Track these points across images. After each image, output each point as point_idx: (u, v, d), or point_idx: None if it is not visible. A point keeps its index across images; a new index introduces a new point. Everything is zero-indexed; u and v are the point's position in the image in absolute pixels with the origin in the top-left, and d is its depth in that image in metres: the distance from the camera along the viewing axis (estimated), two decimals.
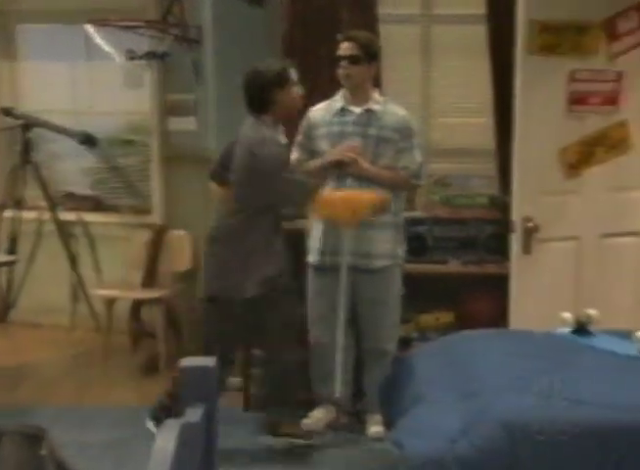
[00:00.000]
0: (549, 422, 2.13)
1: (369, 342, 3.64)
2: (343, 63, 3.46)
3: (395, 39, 4.33)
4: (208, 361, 1.91)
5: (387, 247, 3.55)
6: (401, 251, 3.64)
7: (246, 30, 4.28)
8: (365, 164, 3.48)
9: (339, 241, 3.49)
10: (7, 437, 1.79)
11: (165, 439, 1.43)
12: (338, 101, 3.55)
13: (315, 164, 3.55)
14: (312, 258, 3.62)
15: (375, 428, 3.56)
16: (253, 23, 4.26)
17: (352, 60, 3.44)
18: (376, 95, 3.56)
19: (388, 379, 3.12)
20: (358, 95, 3.49)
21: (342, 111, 3.52)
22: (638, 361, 2.50)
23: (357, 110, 3.50)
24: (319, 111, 3.59)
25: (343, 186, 3.49)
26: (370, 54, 3.47)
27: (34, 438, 1.80)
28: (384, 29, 4.21)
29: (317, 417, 3.65)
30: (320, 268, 3.59)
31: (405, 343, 3.97)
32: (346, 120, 3.50)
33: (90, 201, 5.32)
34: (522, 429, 2.13)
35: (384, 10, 4.22)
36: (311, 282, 3.64)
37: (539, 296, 3.51)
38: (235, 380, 3.86)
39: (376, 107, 3.50)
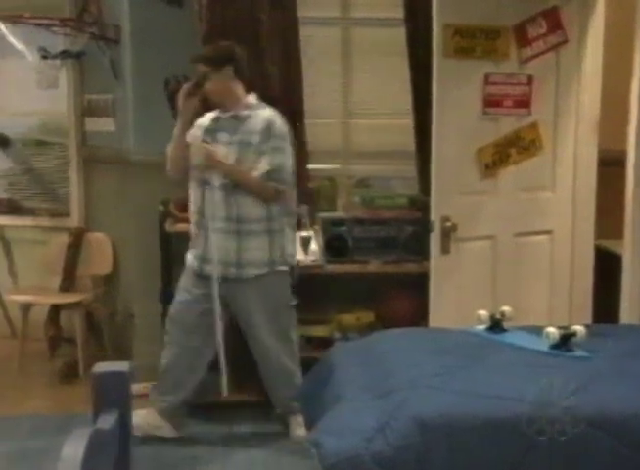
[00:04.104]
0: (462, 418, 2.17)
1: (257, 356, 3.67)
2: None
3: (315, 41, 4.35)
4: (122, 366, 1.88)
5: (259, 255, 3.50)
6: (284, 257, 3.56)
7: (165, 31, 4.22)
8: (228, 167, 3.48)
9: (208, 249, 3.49)
10: None
11: (73, 446, 1.41)
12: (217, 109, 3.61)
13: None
14: (189, 261, 3.63)
15: (298, 431, 3.57)
16: (173, 24, 4.21)
17: (206, 78, 3.49)
18: (249, 99, 3.56)
19: (307, 379, 3.13)
20: (226, 103, 3.54)
21: (216, 118, 3.59)
22: (547, 357, 2.58)
23: (225, 116, 3.55)
24: (204, 118, 3.64)
25: (209, 190, 3.48)
26: (219, 64, 3.50)
27: None
28: (304, 31, 4.23)
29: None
30: (195, 274, 3.59)
31: (327, 343, 3.99)
32: (218, 127, 3.56)
33: (5, 204, 5.17)
34: (436, 425, 2.16)
35: (304, 12, 4.22)
36: (186, 284, 3.62)
37: (458, 294, 3.58)
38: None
39: (243, 112, 3.52)
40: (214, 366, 3.86)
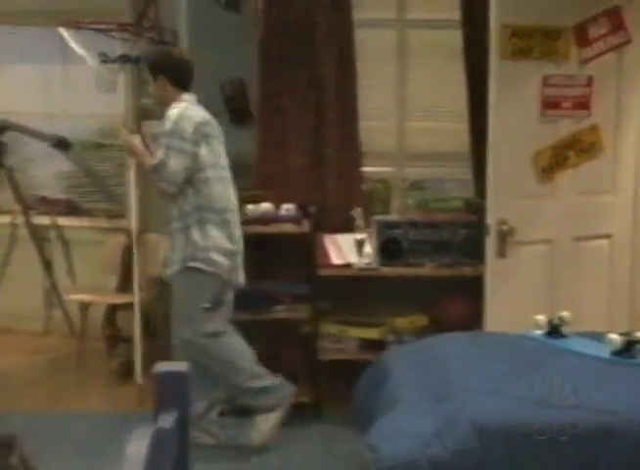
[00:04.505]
0: (520, 424, 2.14)
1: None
2: None
3: (371, 43, 4.34)
4: (182, 366, 1.89)
5: (178, 253, 3.50)
6: (194, 253, 3.46)
7: (221, 35, 4.25)
8: (138, 157, 3.66)
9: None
10: None
11: (137, 445, 1.41)
12: None
13: None
14: None
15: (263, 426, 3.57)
16: (229, 28, 4.24)
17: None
18: (180, 101, 3.54)
19: (361, 382, 3.12)
20: (164, 106, 3.59)
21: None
22: (609, 364, 2.52)
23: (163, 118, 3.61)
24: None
25: None
26: (154, 70, 3.60)
27: (5, 445, 1.78)
28: (359, 34, 4.22)
29: None
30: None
31: (380, 346, 3.98)
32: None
33: (64, 205, 5.28)
34: (493, 431, 2.14)
35: (359, 14, 4.22)
36: None
37: (514, 298, 3.53)
38: None
39: (169, 112, 3.53)
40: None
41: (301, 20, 4.16)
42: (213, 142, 3.52)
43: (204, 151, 3.47)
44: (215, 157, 3.53)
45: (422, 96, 4.44)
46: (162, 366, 1.87)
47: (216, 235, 3.47)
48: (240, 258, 3.57)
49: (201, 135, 3.46)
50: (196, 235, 3.46)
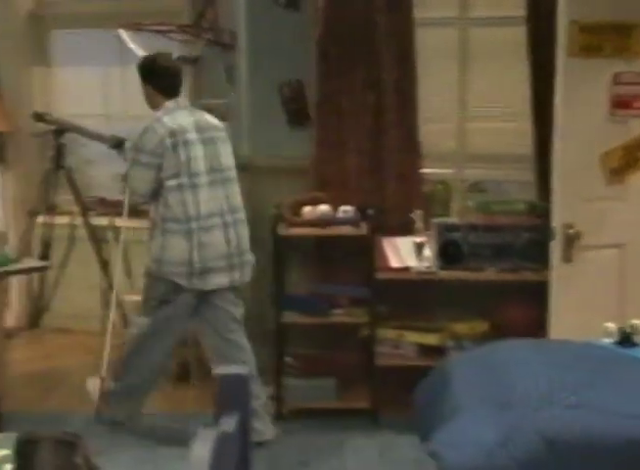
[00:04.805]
0: (598, 438, 2.05)
1: None
2: None
3: (431, 42, 4.26)
4: (242, 369, 1.86)
5: (154, 252, 3.60)
6: (151, 260, 3.59)
7: (280, 35, 4.23)
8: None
9: None
10: (43, 443, 1.78)
11: (201, 447, 1.39)
12: None
13: None
14: None
15: None
16: (288, 28, 4.22)
17: None
18: (161, 108, 3.63)
19: (421, 388, 3.05)
20: (154, 110, 3.69)
21: None
22: None
23: None
24: None
25: None
26: (140, 76, 3.72)
27: (70, 445, 1.78)
28: (419, 32, 4.15)
29: None
30: None
31: (439, 352, 3.91)
32: None
33: (122, 206, 5.30)
34: (562, 441, 2.06)
35: (420, 14, 4.15)
36: None
37: (580, 305, 3.42)
38: (267, 389, 3.81)
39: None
40: (323, 373, 3.83)
41: (361, 19, 4.11)
42: (189, 149, 3.53)
43: (170, 162, 3.51)
44: (187, 165, 3.52)
45: (483, 96, 4.34)
46: (223, 369, 1.84)
47: (176, 246, 3.51)
48: (219, 263, 3.55)
49: (167, 146, 3.50)
50: (155, 246, 3.57)
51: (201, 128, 3.60)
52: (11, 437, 2.03)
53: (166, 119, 3.56)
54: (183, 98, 3.72)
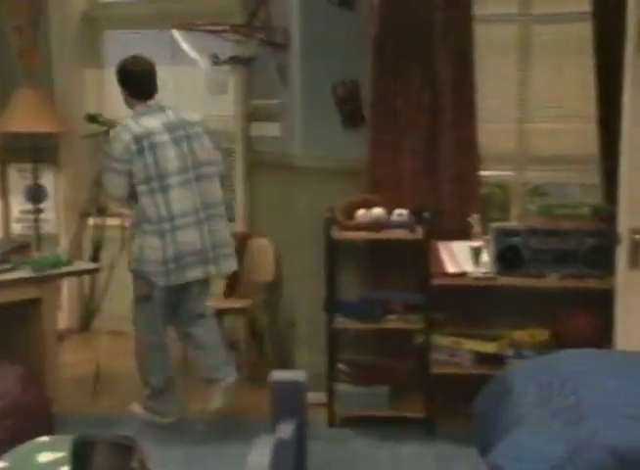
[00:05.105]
0: None
1: None
2: None
3: (490, 40, 4.13)
4: (299, 375, 1.78)
5: (134, 252, 3.80)
6: (138, 257, 3.76)
7: (334, 34, 4.15)
8: None
9: None
10: (99, 446, 1.77)
11: (259, 454, 1.32)
12: None
13: None
14: None
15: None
16: (342, 27, 4.13)
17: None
18: (133, 112, 3.80)
19: (481, 397, 2.94)
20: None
21: None
22: None
23: None
24: None
25: None
26: (117, 79, 3.86)
27: (126, 449, 1.76)
28: (478, 29, 4.03)
29: None
30: None
31: (497, 360, 3.77)
32: None
33: None
34: (633, 458, 1.97)
35: (480, 10, 4.02)
36: None
37: None
38: (319, 394, 3.73)
39: None
40: (376, 380, 3.74)
41: (417, 16, 4.01)
42: (157, 151, 3.67)
43: (138, 166, 3.66)
44: (156, 167, 3.66)
45: (545, 95, 4.19)
46: (279, 375, 1.76)
47: (152, 245, 3.70)
48: (192, 259, 3.73)
49: (133, 152, 3.65)
50: (135, 246, 3.77)
51: (172, 128, 3.73)
52: (66, 439, 2.05)
53: (132, 124, 3.71)
54: (155, 100, 3.82)
